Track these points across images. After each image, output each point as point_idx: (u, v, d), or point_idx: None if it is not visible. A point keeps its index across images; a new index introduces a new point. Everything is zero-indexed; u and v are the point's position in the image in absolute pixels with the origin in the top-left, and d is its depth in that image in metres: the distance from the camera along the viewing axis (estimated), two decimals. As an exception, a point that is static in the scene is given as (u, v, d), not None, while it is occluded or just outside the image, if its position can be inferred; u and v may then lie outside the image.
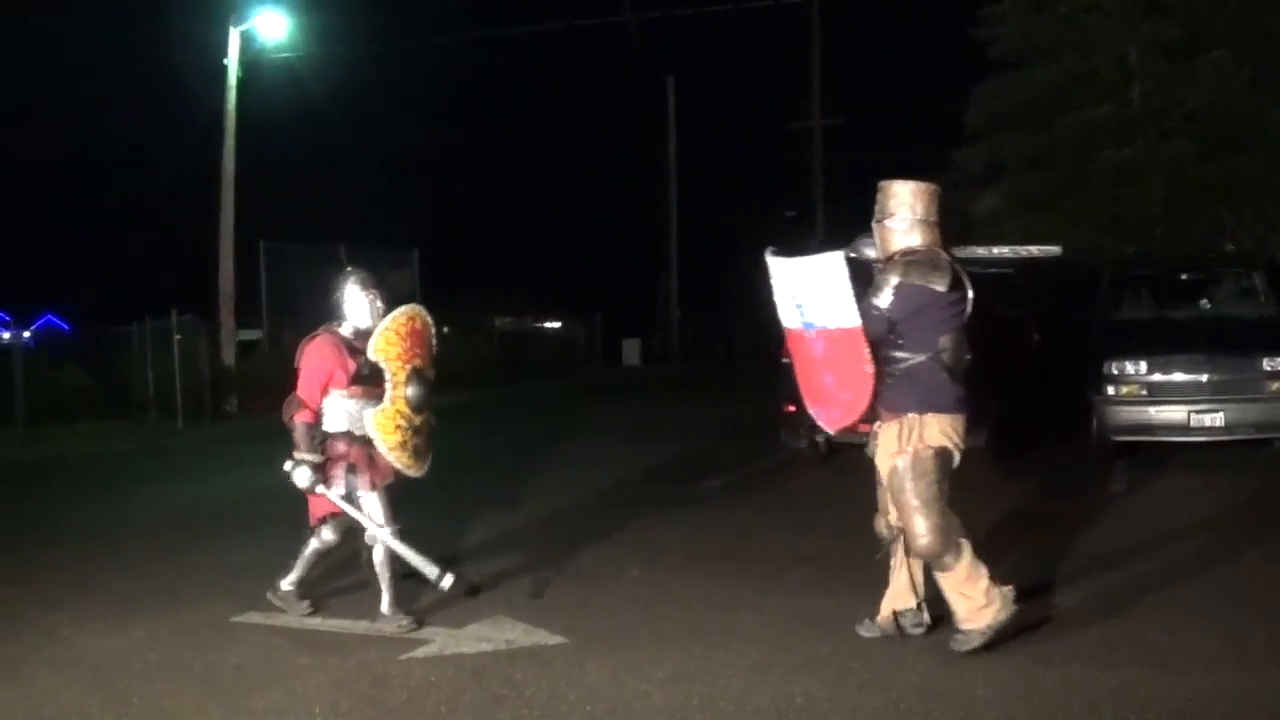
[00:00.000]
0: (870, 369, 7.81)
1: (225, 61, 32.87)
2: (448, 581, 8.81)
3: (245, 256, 32.48)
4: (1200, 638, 7.89)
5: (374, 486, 8.85)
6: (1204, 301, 16.60)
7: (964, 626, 7.82)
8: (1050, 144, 31.33)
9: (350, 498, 8.82)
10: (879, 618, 8.26)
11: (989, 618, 7.77)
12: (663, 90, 54.85)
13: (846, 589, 9.23)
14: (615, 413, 27.60)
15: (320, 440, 8.85)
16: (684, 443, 19.96)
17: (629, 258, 61.20)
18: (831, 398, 8.22)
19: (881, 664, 7.54)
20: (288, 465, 8.70)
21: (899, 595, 8.27)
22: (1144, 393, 14.64)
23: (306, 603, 9.20)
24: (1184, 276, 17.54)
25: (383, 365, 8.72)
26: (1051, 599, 8.95)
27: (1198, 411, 14.37)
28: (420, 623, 8.75)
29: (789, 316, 8.25)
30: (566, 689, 7.30)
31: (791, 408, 15.59)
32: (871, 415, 8.07)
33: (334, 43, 38.27)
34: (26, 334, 40.72)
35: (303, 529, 9.13)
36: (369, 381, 8.78)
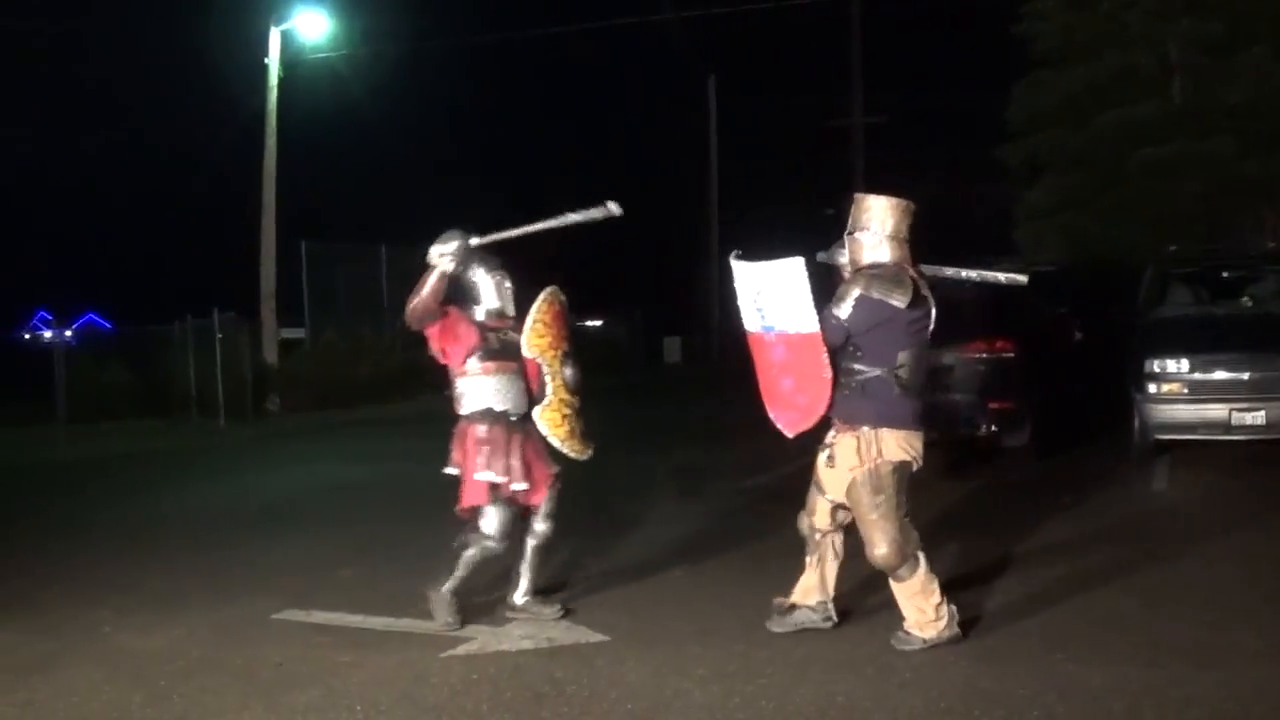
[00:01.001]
0: (828, 374, 7.87)
1: (266, 61, 32.98)
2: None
3: (287, 255, 32.59)
4: (1242, 636, 7.85)
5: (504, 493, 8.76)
6: (1246, 299, 16.48)
7: (910, 630, 7.96)
8: (1091, 141, 31.27)
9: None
10: (782, 606, 8.50)
11: (933, 632, 7.90)
12: (704, 89, 54.74)
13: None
14: (657, 410, 27.59)
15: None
16: (726, 440, 19.91)
17: (670, 256, 61.15)
18: (789, 401, 8.21)
19: (923, 663, 7.52)
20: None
21: (805, 591, 8.47)
22: (1185, 391, 14.54)
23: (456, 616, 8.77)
24: (1226, 274, 17.42)
25: (539, 360, 8.85)
26: (1093, 597, 8.92)
27: (1239, 410, 14.26)
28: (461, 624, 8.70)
29: (750, 319, 8.25)
30: (608, 687, 7.31)
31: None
32: (826, 423, 8.14)
33: (374, 41, 38.34)
34: (68, 333, 40.88)
35: (342, 528, 9.13)
36: (502, 355, 8.78)
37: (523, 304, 9.03)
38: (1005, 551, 10.31)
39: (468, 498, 8.69)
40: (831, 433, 8.19)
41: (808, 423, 8.16)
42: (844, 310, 7.88)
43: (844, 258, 8.31)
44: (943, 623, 7.92)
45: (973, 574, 9.49)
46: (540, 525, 9.00)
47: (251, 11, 33.96)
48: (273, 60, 32.86)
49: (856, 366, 7.94)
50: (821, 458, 8.27)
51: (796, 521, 8.51)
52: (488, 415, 8.71)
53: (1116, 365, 16.13)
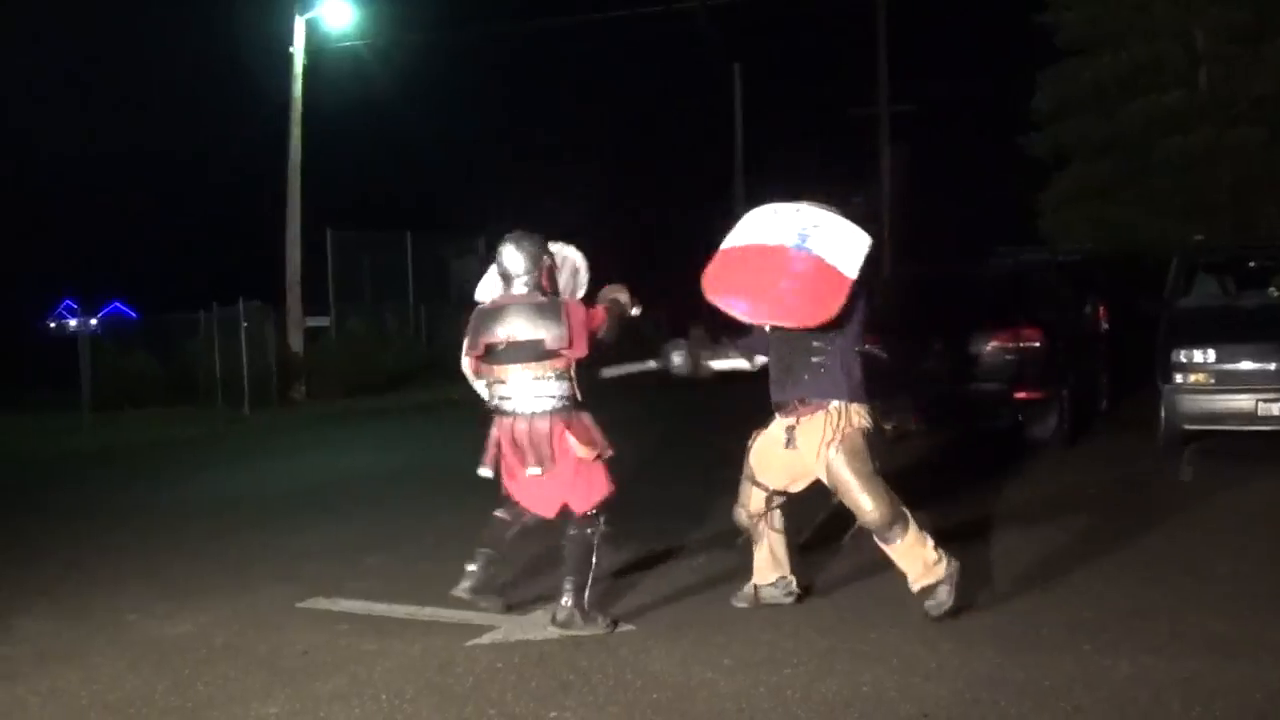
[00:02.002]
0: (832, 313, 7.99)
1: (291, 50, 32.99)
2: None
3: (312, 243, 32.65)
4: (1269, 628, 7.81)
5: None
6: (1273, 289, 16.42)
7: (923, 583, 8.16)
8: (1117, 130, 31.24)
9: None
10: (746, 592, 8.80)
11: (941, 571, 8.13)
12: (730, 78, 54.63)
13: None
14: (680, 401, 27.54)
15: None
16: (748, 428, 19.91)
17: (694, 247, 61.14)
18: (770, 294, 8.21)
19: (949, 653, 7.49)
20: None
21: (761, 571, 8.75)
22: (1211, 381, 14.48)
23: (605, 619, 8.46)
24: (1252, 264, 17.37)
25: None
26: (1119, 588, 8.89)
27: (1265, 400, 14.20)
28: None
29: (775, 234, 8.41)
30: (632, 676, 7.29)
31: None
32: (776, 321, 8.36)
33: (399, 30, 38.31)
34: (94, 321, 41.00)
35: (367, 515, 9.09)
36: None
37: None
38: (1030, 542, 10.29)
39: (603, 487, 8.68)
40: (787, 419, 8.48)
41: (773, 316, 8.29)
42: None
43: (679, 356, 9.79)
44: (943, 565, 8.15)
45: (999, 564, 9.47)
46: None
47: (276, 1, 34.01)
48: (297, 49, 32.86)
49: (837, 345, 8.27)
50: (775, 443, 8.64)
51: (733, 517, 8.88)
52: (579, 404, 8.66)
53: (1143, 355, 16.08)
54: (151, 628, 8.84)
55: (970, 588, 8.37)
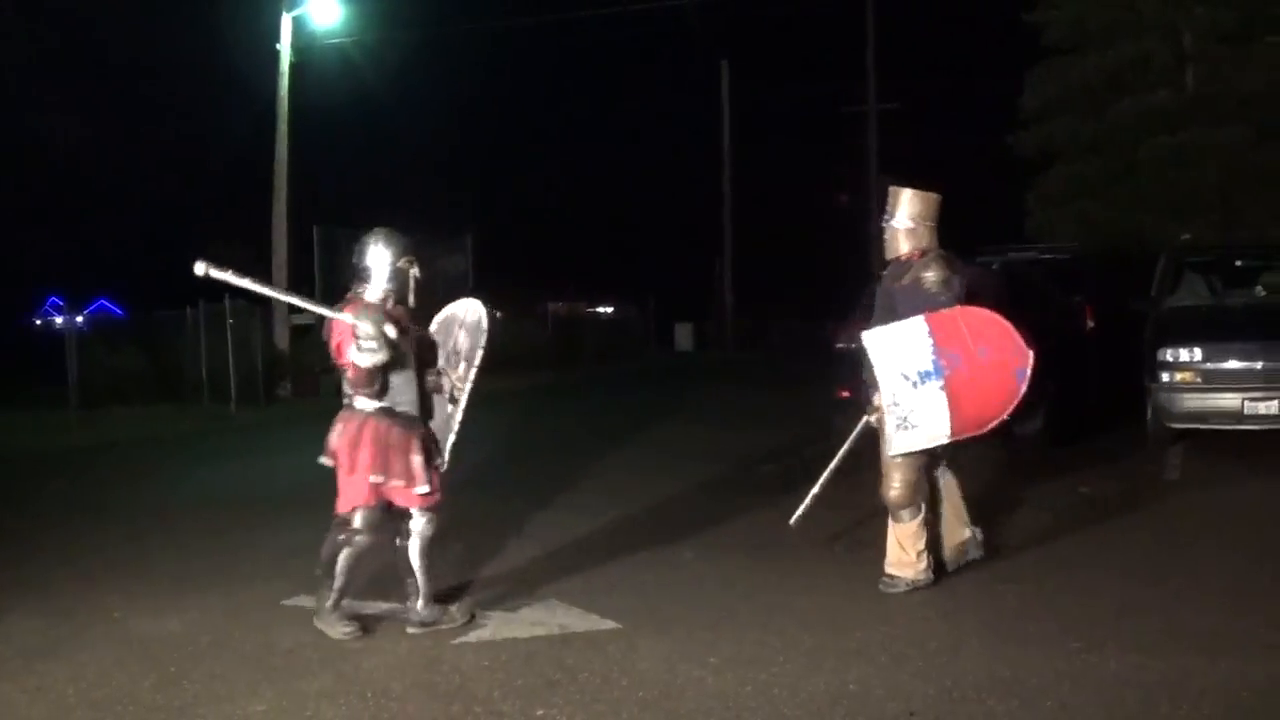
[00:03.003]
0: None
1: (278, 47, 33.00)
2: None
3: (299, 241, 32.63)
4: (1257, 626, 7.84)
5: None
6: (1259, 288, 16.47)
7: (891, 571, 8.89)
8: (1105, 129, 31.30)
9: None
10: (946, 557, 9.23)
11: (912, 573, 8.82)
12: (717, 74, 54.75)
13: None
14: (669, 398, 27.61)
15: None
16: (738, 427, 19.96)
17: (683, 242, 61.16)
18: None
19: (936, 651, 7.50)
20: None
21: (952, 533, 9.29)
22: (1198, 380, 14.53)
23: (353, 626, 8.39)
24: (1239, 263, 17.42)
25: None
26: (1107, 586, 8.91)
27: (1252, 399, 14.25)
28: (474, 614, 8.53)
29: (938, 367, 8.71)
30: (619, 674, 7.30)
31: (845, 393, 15.56)
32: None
33: (387, 27, 38.33)
34: (80, 318, 40.93)
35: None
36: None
37: (429, 295, 8.71)
38: (1018, 540, 10.31)
39: (353, 497, 8.20)
40: (877, 397, 8.88)
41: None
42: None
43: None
44: (920, 566, 8.82)
45: (985, 562, 9.48)
46: (423, 525, 8.42)
47: (264, -1, 34.03)
48: (284, 47, 32.90)
49: None
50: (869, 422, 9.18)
51: (882, 497, 9.01)
52: (381, 413, 8.27)
53: (1130, 354, 16.11)
54: (138, 625, 8.82)
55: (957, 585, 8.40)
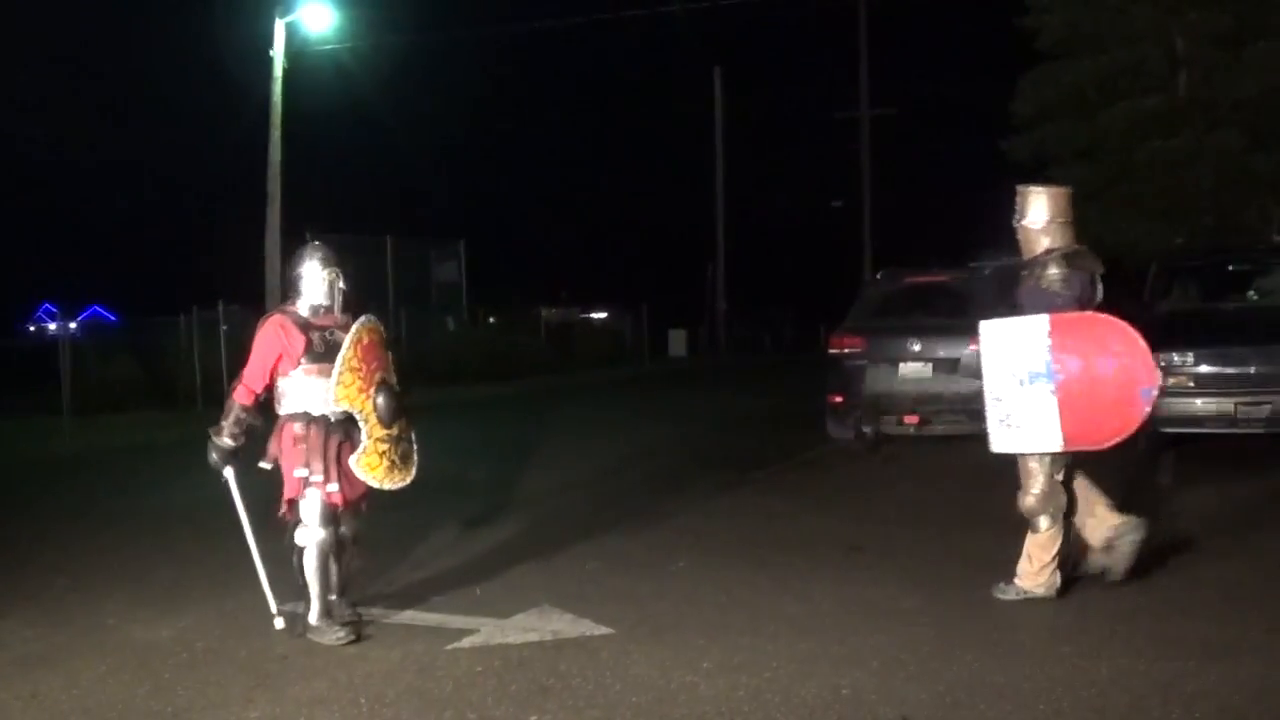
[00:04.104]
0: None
1: (271, 53, 33.01)
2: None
3: (292, 247, 32.62)
4: (1249, 630, 7.85)
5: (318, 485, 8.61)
6: (1252, 293, 16.48)
7: (1016, 580, 8.80)
8: (1098, 134, 31.32)
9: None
10: (1092, 556, 9.19)
11: (1030, 584, 8.74)
12: (710, 81, 54.80)
13: (894, 580, 9.29)
14: (662, 403, 27.61)
15: (246, 425, 9.06)
16: (731, 433, 19.99)
17: (676, 248, 61.22)
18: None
19: (929, 656, 7.51)
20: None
21: (1092, 535, 9.17)
22: (1191, 385, 14.53)
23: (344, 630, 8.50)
24: (1232, 268, 17.42)
25: (349, 409, 8.50)
26: (1098, 591, 8.92)
27: (1245, 404, 14.25)
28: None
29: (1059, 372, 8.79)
30: (612, 679, 7.30)
31: (839, 398, 15.60)
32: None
33: (380, 34, 38.37)
34: (73, 325, 40.91)
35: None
36: (326, 358, 8.49)
37: (355, 305, 8.94)
38: (1008, 546, 10.30)
39: (287, 491, 8.71)
40: None
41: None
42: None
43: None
44: (1040, 579, 8.71)
45: (977, 567, 9.48)
46: (345, 528, 8.75)
47: (256, 4, 34.09)
48: (277, 53, 32.94)
49: None
50: None
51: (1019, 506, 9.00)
52: (305, 417, 8.61)
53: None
54: (133, 632, 8.82)
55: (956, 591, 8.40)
